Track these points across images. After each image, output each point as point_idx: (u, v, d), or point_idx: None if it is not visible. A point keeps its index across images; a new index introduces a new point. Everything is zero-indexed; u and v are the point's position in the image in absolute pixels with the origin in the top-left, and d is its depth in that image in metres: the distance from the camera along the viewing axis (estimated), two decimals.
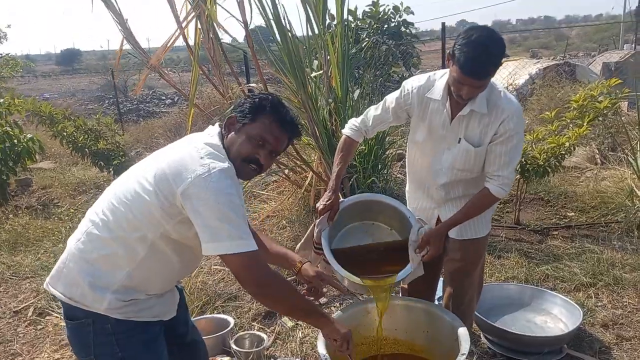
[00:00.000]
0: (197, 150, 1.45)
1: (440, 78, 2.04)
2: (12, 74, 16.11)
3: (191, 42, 4.08)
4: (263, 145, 1.53)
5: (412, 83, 2.11)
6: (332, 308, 3.14)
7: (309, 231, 2.19)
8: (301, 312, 1.67)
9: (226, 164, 1.44)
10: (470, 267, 2.25)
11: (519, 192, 4.45)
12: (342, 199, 2.18)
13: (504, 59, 1.91)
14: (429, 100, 2.06)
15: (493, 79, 1.93)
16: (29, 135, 5.82)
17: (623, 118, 5.86)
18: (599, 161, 5.75)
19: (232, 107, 1.61)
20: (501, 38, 1.84)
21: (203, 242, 1.40)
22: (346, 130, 2.24)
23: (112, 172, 5.74)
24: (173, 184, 1.39)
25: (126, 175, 1.57)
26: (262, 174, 4.87)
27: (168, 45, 4.09)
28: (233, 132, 1.55)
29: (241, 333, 2.90)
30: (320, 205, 2.05)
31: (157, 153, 1.59)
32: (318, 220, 2.10)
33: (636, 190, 4.23)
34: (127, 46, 4.16)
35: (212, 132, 1.57)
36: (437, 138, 2.08)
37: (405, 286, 2.41)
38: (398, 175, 5.58)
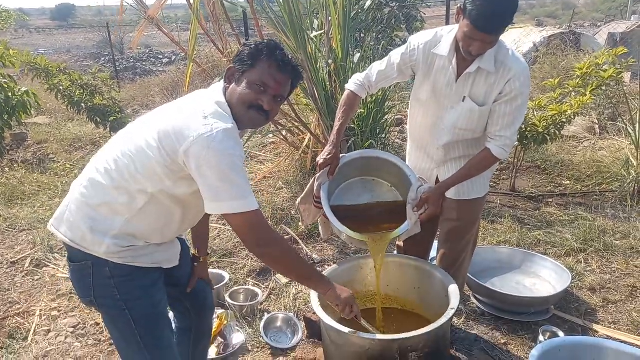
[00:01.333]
0: (202, 109, 1.45)
1: (448, 34, 2.00)
2: (5, 27, 15.69)
3: None
4: (265, 90, 1.50)
5: (419, 39, 2.07)
6: (326, 267, 3.19)
7: (309, 185, 2.21)
8: (301, 274, 1.71)
9: (229, 125, 1.43)
10: (466, 228, 2.26)
11: (515, 160, 4.46)
12: (342, 154, 2.17)
13: (508, 26, 1.88)
14: (435, 57, 2.02)
15: (501, 38, 1.89)
16: (23, 89, 5.73)
17: (625, 88, 5.81)
18: (597, 131, 5.74)
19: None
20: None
21: (206, 201, 1.43)
22: (350, 85, 2.20)
23: (108, 128, 5.68)
24: (176, 142, 1.40)
25: (133, 127, 1.58)
26: (262, 132, 4.86)
27: None
28: (234, 83, 1.54)
29: (236, 288, 2.96)
30: (320, 159, 2.05)
31: (164, 108, 1.58)
32: (318, 174, 2.11)
33: (632, 160, 4.24)
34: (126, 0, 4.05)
35: (217, 89, 1.56)
36: (441, 96, 2.04)
37: (401, 244, 2.44)
38: (396, 140, 5.57)
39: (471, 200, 2.19)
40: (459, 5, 1.84)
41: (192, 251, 1.90)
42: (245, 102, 1.50)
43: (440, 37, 2.02)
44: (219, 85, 1.59)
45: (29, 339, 2.66)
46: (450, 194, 2.14)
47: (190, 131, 1.39)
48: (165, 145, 1.42)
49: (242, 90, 1.50)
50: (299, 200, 2.27)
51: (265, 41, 1.54)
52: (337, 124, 2.13)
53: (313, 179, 2.17)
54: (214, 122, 1.41)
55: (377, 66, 2.18)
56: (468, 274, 2.70)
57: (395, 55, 2.12)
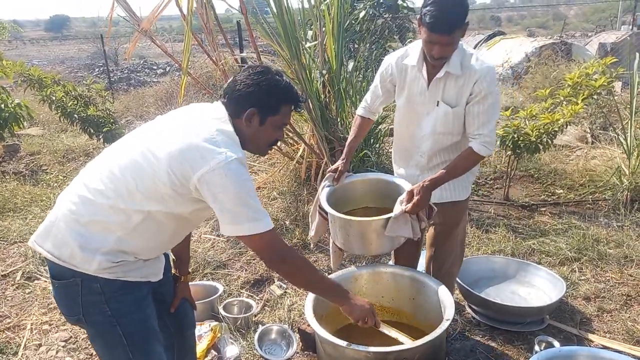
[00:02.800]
0: (211, 136, 1.47)
1: (416, 46, 2.16)
2: None
3: (184, 8, 3.98)
4: (283, 127, 1.67)
5: (391, 56, 2.27)
6: None
7: (315, 198, 2.34)
8: (320, 287, 1.75)
9: (241, 154, 1.50)
10: (451, 230, 2.35)
11: (509, 169, 4.48)
12: (350, 173, 2.36)
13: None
14: (406, 67, 2.18)
15: (465, 45, 2.08)
16: (16, 101, 5.71)
17: (616, 98, 5.88)
18: (589, 140, 5.78)
19: (235, 88, 1.57)
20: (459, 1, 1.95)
21: (223, 224, 1.49)
22: (358, 110, 2.46)
23: (102, 139, 5.66)
24: (189, 169, 1.43)
25: (129, 143, 1.56)
26: None
27: (160, 9, 3.99)
28: (257, 124, 1.58)
29: (230, 299, 2.93)
30: (329, 169, 2.32)
31: (163, 125, 1.57)
32: (323, 182, 2.26)
33: (624, 168, 4.27)
34: (119, 11, 4.06)
35: (221, 116, 1.55)
36: (417, 104, 2.19)
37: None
38: (390, 150, 5.58)
39: (454, 203, 2.28)
40: (418, 18, 1.99)
41: (173, 271, 1.88)
42: (271, 141, 1.66)
43: (409, 49, 2.19)
44: (222, 112, 1.57)
45: (20, 353, 2.62)
46: (434, 198, 2.17)
47: (206, 160, 1.42)
48: (176, 171, 1.44)
49: (268, 132, 1.61)
50: (311, 214, 2.41)
51: (283, 83, 1.59)
52: (348, 141, 2.39)
53: (318, 193, 2.31)
54: (226, 150, 1.45)
55: (371, 87, 2.38)
56: (463, 284, 2.71)
57: (377, 76, 2.33)
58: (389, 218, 2.04)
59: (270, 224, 1.51)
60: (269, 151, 1.72)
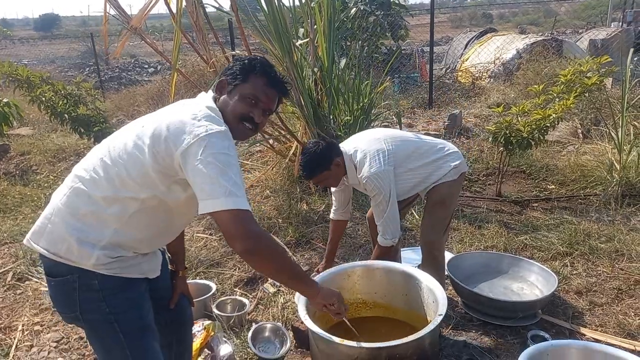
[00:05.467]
0: (194, 113, 1.46)
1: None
2: None
3: (173, 6, 3.95)
4: (256, 104, 1.57)
5: None
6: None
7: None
8: (289, 275, 1.63)
9: (223, 127, 1.46)
10: (438, 204, 2.64)
11: (501, 165, 4.49)
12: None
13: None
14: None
15: (357, 162, 2.51)
16: (5, 100, 5.65)
17: (607, 93, 5.91)
18: (581, 136, 5.82)
19: (220, 73, 1.61)
20: (316, 144, 2.49)
21: (200, 200, 1.39)
22: (330, 214, 2.91)
23: (92, 139, 5.61)
24: (172, 145, 1.40)
25: (120, 134, 1.56)
26: (248, 141, 4.85)
27: (149, 7, 3.95)
28: (225, 95, 1.57)
29: (223, 298, 2.92)
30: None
31: (153, 115, 1.57)
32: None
33: (615, 164, 4.30)
34: (109, 11, 4.01)
35: (206, 97, 1.59)
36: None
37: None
38: None
39: (436, 186, 2.61)
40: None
41: (170, 267, 1.87)
42: (237, 114, 1.55)
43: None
44: (207, 95, 1.60)
45: (11, 354, 2.60)
46: (422, 193, 2.68)
47: (186, 133, 1.39)
48: (159, 150, 1.42)
49: (235, 102, 1.55)
50: None
51: (258, 57, 1.60)
52: (327, 245, 2.93)
53: None
54: (208, 123, 1.43)
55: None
56: (456, 280, 2.72)
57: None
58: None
59: (247, 206, 1.41)
60: (245, 131, 1.59)
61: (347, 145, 2.60)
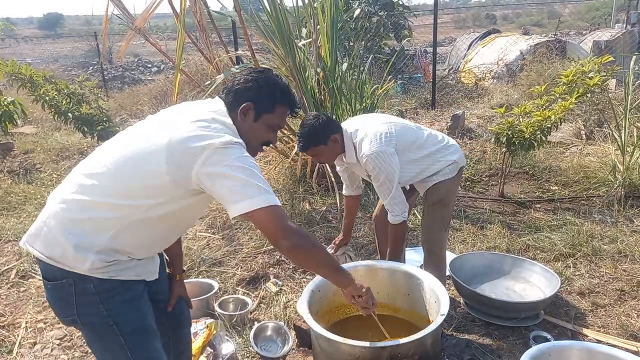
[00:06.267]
0: (210, 125, 1.46)
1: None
2: None
3: (177, 6, 3.97)
4: (276, 130, 1.66)
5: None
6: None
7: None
8: (328, 267, 1.68)
9: (240, 140, 1.48)
10: (438, 203, 2.66)
11: (504, 166, 4.49)
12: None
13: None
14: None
15: (355, 139, 2.50)
16: (9, 99, 5.68)
17: (610, 95, 5.90)
18: (584, 137, 5.81)
19: (234, 83, 1.61)
20: (316, 117, 2.47)
21: (233, 203, 1.40)
22: (342, 190, 2.90)
23: (95, 137, 5.63)
24: (191, 156, 1.39)
25: (124, 139, 1.53)
26: None
27: (154, 7, 3.97)
28: (251, 119, 1.58)
29: (225, 297, 2.93)
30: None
31: (159, 120, 1.55)
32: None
33: (619, 165, 4.30)
34: (113, 11, 4.03)
35: (219, 109, 1.56)
36: (361, 175, 2.74)
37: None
38: None
39: (436, 184, 2.62)
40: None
41: (168, 270, 1.87)
42: (263, 140, 1.63)
43: None
44: (220, 106, 1.57)
45: (14, 352, 2.61)
46: (422, 191, 2.70)
47: (206, 145, 1.39)
48: (176, 160, 1.40)
49: (261, 130, 1.60)
50: None
51: (281, 84, 1.62)
52: (343, 224, 2.92)
53: None
54: (225, 134, 1.44)
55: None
56: (459, 280, 2.73)
57: None
58: None
59: (279, 202, 1.45)
60: (259, 151, 1.68)
61: (349, 125, 2.58)
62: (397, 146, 2.46)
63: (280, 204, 1.44)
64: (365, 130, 2.48)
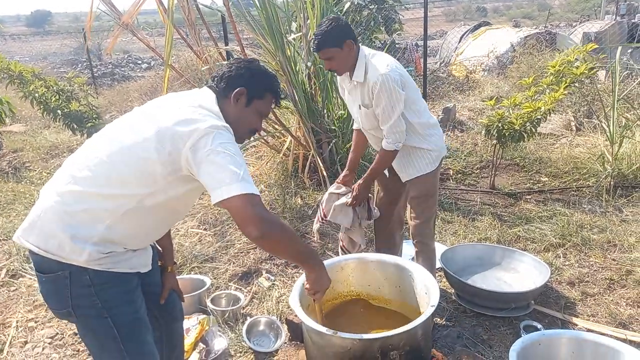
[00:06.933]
0: (198, 110, 1.49)
1: None
2: None
3: (165, 1, 3.93)
4: (264, 117, 1.71)
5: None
6: None
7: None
8: (301, 255, 1.68)
9: (227, 124, 1.50)
10: (423, 197, 2.65)
11: (495, 158, 4.51)
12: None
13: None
14: (342, 81, 2.63)
15: (370, 54, 2.39)
16: None
17: (599, 86, 5.94)
18: (574, 128, 5.84)
19: (225, 71, 1.65)
20: (335, 19, 2.34)
21: (214, 189, 1.41)
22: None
23: (85, 135, 5.58)
24: (179, 140, 1.42)
25: (115, 130, 1.55)
26: None
27: (140, 3, 3.93)
28: (243, 104, 1.62)
29: (217, 292, 2.93)
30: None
31: (148, 109, 1.57)
32: (330, 188, 2.73)
33: (607, 155, 4.33)
34: (100, 6, 3.99)
35: (207, 97, 1.58)
36: (351, 108, 2.64)
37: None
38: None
39: (419, 177, 2.60)
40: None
41: (160, 262, 1.87)
42: (252, 126, 1.67)
43: None
44: (207, 93, 1.60)
45: (5, 351, 2.59)
46: (404, 178, 2.64)
47: (193, 128, 1.42)
48: (167, 145, 1.43)
49: (253, 116, 1.65)
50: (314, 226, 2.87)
51: (271, 73, 1.70)
52: (349, 159, 2.81)
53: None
54: (214, 121, 1.46)
55: None
56: (450, 272, 2.74)
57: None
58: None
59: (257, 192, 1.44)
60: (246, 139, 1.73)
61: (366, 49, 2.47)
62: (405, 91, 2.39)
63: (256, 192, 1.43)
64: (384, 56, 2.41)
